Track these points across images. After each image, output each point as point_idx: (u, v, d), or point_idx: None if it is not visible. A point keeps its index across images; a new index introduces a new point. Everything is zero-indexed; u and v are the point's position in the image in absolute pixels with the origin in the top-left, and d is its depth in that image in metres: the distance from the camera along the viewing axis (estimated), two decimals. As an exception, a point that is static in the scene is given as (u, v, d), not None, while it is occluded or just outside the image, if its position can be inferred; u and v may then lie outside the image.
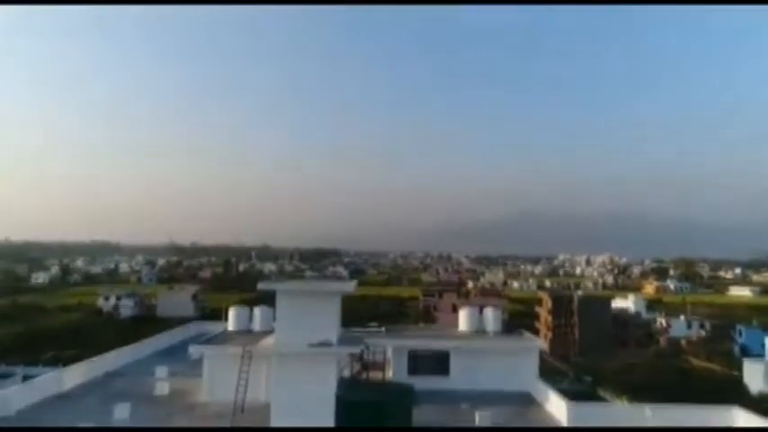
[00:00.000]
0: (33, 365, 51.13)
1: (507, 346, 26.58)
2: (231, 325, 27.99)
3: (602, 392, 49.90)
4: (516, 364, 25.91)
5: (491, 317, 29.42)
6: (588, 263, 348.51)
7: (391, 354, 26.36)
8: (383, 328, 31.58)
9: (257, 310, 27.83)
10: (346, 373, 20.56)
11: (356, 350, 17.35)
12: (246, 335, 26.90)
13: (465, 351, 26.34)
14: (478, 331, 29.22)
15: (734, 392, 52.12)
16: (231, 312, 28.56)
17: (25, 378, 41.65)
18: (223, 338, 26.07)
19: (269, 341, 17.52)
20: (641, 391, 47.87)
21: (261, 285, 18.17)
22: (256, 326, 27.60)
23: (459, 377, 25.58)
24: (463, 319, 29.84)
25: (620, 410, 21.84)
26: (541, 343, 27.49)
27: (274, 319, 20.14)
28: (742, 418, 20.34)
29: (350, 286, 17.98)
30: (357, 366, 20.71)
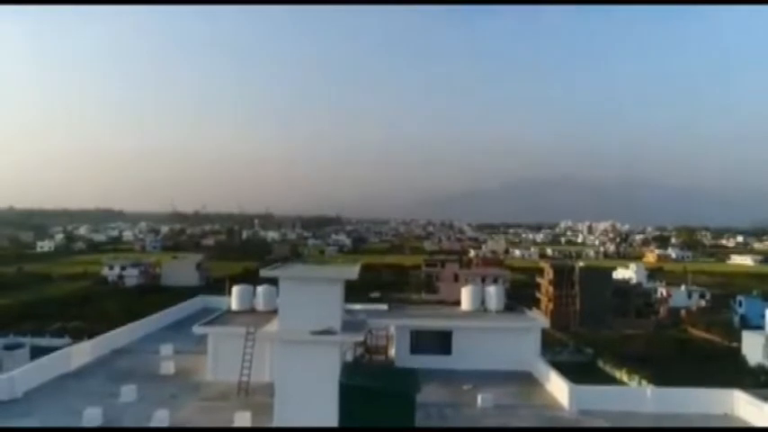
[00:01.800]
0: (41, 336, 51.61)
1: (509, 326, 26.67)
2: (235, 304, 28.07)
3: (601, 364, 50.43)
4: (518, 343, 26.05)
5: (493, 294, 29.49)
6: (590, 230, 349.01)
7: (394, 332, 26.52)
8: (386, 306, 31.73)
9: (260, 289, 27.88)
10: (349, 357, 20.69)
11: (359, 338, 17.40)
12: (250, 314, 27.04)
13: (467, 330, 26.47)
14: (480, 309, 29.35)
15: (732, 364, 52.74)
16: (234, 291, 28.61)
17: (33, 349, 42.24)
18: (227, 318, 26.20)
19: (272, 327, 17.54)
20: (640, 363, 48.39)
21: (263, 272, 18.14)
22: (260, 305, 27.71)
23: (462, 356, 25.77)
24: (465, 296, 29.92)
25: (620, 393, 22.03)
26: (543, 321, 27.56)
27: (278, 294, 19.77)
28: (742, 401, 20.43)
29: (353, 273, 17.89)
30: (360, 349, 20.83)
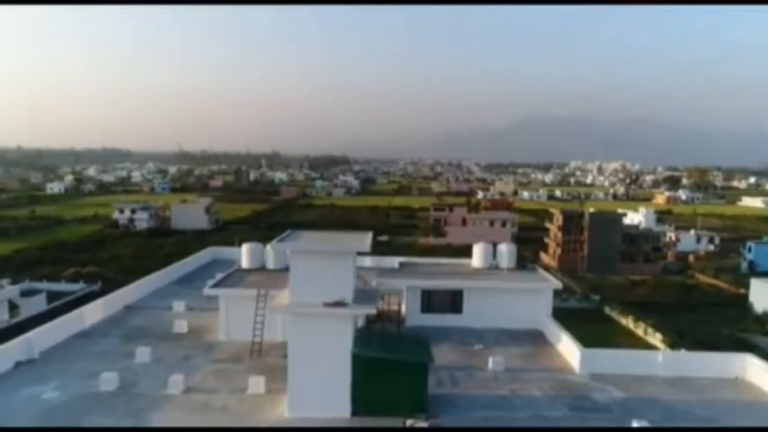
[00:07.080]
0: (56, 281, 52.36)
1: (521, 287, 26.49)
2: (245, 262, 27.97)
3: (608, 311, 50.92)
4: (530, 303, 25.97)
5: (505, 252, 29.20)
6: (600, 171, 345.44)
7: (405, 291, 26.45)
8: (397, 263, 31.58)
9: (270, 248, 27.64)
10: (361, 320, 20.62)
11: (372, 310, 17.21)
12: (260, 272, 27.00)
13: (478, 289, 26.36)
14: (492, 266, 29.15)
15: (738, 311, 53.08)
16: (244, 249, 28.43)
17: (49, 295, 42.96)
18: (237, 278, 26.13)
19: (283, 298, 17.37)
20: (646, 310, 48.77)
21: (272, 244, 17.83)
22: (270, 263, 27.61)
23: (473, 315, 25.80)
24: (477, 253, 29.66)
25: (632, 356, 22.04)
26: (555, 282, 27.32)
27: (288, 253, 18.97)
28: (754, 365, 20.36)
29: (365, 245, 17.48)
30: (372, 314, 20.74)
